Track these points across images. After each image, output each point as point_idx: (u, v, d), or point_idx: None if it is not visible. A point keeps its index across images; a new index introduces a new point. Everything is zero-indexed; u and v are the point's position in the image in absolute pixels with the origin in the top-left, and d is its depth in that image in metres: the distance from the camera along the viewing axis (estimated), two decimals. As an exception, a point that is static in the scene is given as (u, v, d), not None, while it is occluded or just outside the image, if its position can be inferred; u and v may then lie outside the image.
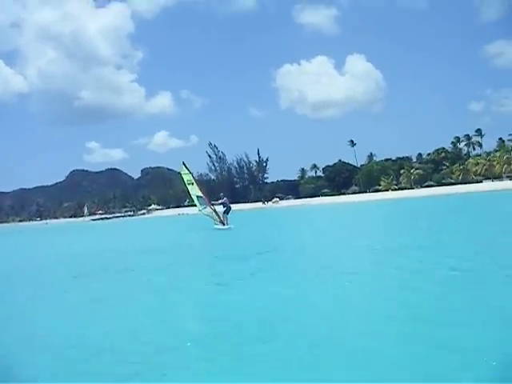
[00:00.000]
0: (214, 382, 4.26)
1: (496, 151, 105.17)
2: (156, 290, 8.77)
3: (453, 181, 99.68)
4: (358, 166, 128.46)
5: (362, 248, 12.62)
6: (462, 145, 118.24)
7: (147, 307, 7.44)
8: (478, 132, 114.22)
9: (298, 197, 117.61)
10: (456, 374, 4.01)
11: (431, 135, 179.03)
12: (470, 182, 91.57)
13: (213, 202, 27.53)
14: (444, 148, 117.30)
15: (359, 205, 63.37)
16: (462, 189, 76.52)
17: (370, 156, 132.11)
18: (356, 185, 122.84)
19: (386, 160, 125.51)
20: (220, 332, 5.69)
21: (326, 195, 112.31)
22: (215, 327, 5.95)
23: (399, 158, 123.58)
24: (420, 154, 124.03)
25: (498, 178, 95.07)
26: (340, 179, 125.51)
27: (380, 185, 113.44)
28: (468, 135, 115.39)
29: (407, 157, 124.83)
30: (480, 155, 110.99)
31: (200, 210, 28.07)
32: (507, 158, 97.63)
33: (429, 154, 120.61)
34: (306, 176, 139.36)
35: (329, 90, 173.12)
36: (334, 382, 4.04)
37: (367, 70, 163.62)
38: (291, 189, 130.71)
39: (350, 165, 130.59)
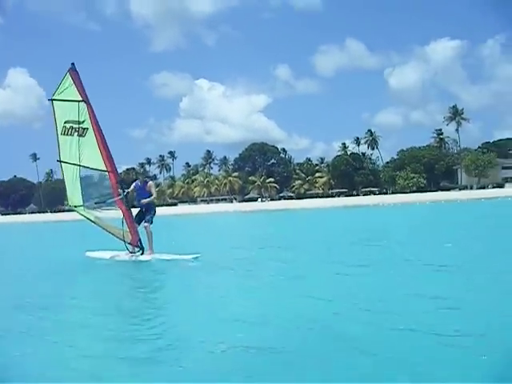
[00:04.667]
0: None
1: (193, 174, 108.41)
2: None
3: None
4: (39, 182, 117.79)
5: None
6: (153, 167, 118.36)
7: None
8: (171, 154, 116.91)
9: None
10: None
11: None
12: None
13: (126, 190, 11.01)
14: (134, 168, 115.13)
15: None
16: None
17: (50, 173, 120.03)
18: (35, 203, 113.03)
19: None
20: None
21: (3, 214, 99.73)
22: None
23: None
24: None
25: (195, 201, 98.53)
26: (17, 196, 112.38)
27: (63, 204, 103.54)
28: (162, 156, 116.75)
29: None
30: (172, 177, 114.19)
31: (85, 211, 11.33)
32: (208, 181, 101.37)
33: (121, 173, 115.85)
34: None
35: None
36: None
37: (29, 85, 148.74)
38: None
39: (29, 181, 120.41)
